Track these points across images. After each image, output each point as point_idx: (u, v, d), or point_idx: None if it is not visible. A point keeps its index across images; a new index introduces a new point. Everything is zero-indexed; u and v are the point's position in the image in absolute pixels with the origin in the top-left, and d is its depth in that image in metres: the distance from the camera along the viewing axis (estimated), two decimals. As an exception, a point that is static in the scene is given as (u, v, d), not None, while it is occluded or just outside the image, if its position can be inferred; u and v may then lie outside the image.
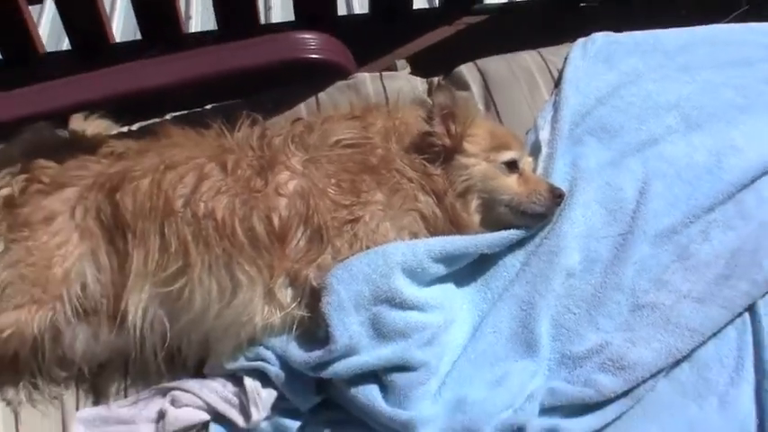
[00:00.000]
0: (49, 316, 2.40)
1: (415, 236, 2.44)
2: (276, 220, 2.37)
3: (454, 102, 2.54)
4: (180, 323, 2.39)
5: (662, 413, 2.24)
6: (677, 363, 2.29)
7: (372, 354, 2.27)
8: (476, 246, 2.43)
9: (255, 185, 2.41)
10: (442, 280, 2.45)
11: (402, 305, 2.31)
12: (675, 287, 2.39)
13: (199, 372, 2.44)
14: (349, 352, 2.27)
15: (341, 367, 2.26)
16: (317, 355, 2.27)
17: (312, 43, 2.95)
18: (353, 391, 2.28)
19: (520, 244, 2.52)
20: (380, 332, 2.30)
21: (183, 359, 2.46)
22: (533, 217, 2.48)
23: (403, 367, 2.28)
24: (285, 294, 2.37)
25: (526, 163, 2.58)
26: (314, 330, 2.35)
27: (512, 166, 2.51)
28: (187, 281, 2.36)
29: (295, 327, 2.37)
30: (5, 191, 2.66)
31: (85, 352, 2.47)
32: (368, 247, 2.37)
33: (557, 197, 2.49)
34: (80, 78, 2.97)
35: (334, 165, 2.46)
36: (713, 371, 2.29)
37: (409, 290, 2.33)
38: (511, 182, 2.49)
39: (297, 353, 2.32)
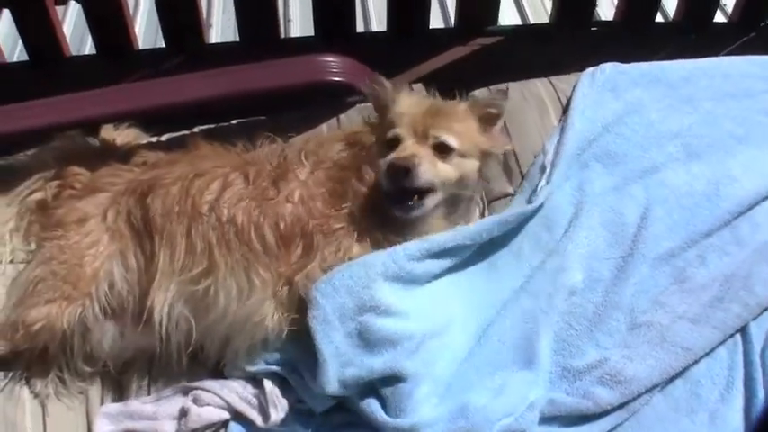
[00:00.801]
0: (78, 311, 2.52)
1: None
2: (282, 226, 2.49)
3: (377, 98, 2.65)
4: (204, 321, 2.50)
5: (656, 426, 2.35)
6: (671, 379, 2.40)
7: (364, 367, 2.35)
8: (454, 239, 2.52)
9: (269, 194, 2.53)
10: (437, 284, 2.53)
11: (387, 313, 2.39)
12: (672, 308, 2.50)
13: (219, 373, 2.53)
14: (340, 365, 2.35)
15: (337, 384, 2.35)
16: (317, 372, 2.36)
17: (335, 66, 3.05)
18: (358, 403, 2.37)
19: (525, 257, 2.64)
20: (368, 342, 2.37)
21: (205, 357, 2.55)
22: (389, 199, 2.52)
23: (395, 378, 2.35)
24: (288, 299, 2.46)
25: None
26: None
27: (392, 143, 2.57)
28: (212, 281, 2.47)
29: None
30: (39, 195, 2.80)
31: (112, 348, 2.58)
32: (349, 258, 2.46)
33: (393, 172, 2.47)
34: (111, 90, 3.08)
35: (330, 177, 2.59)
36: (705, 387, 2.40)
37: (393, 298, 2.41)
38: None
39: (306, 374, 2.43)
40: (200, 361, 2.56)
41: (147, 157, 2.79)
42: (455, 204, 2.61)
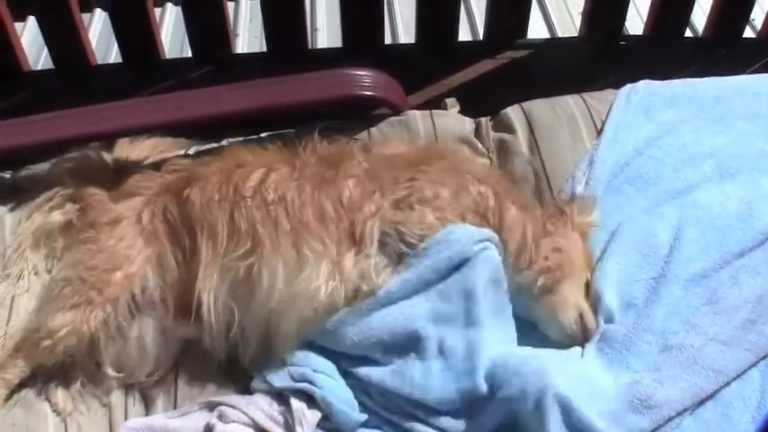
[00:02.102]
0: (103, 316, 2.47)
1: None
2: (346, 197, 2.46)
3: None
4: (247, 310, 2.45)
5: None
6: (702, 401, 2.36)
7: None
8: None
9: (326, 176, 2.51)
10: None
11: None
12: (703, 330, 2.45)
13: (246, 389, 2.50)
14: None
15: None
16: None
17: (367, 80, 3.04)
18: None
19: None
20: None
21: (245, 349, 2.51)
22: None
23: None
24: (351, 265, 2.41)
25: None
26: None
27: None
28: (256, 259, 2.41)
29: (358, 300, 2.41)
30: (59, 215, 2.78)
31: (153, 345, 2.54)
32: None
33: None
34: (139, 102, 3.09)
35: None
36: (736, 410, 2.35)
37: None
38: None
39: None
40: (233, 363, 2.54)
41: (177, 165, 2.77)
42: None
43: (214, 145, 3.05)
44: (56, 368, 2.54)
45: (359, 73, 3.05)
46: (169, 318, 2.54)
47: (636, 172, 2.85)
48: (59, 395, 2.52)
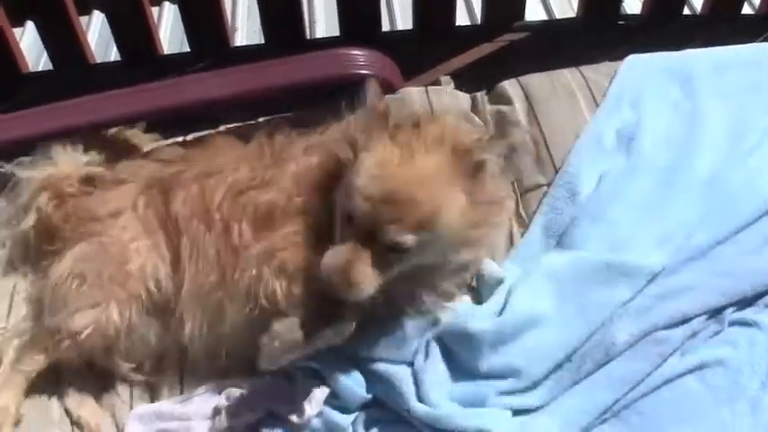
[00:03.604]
0: (127, 313, 2.45)
1: None
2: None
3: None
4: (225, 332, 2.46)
5: (696, 416, 2.29)
6: (712, 366, 2.36)
7: None
8: None
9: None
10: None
11: None
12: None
13: (252, 370, 2.44)
14: None
15: None
16: None
17: (361, 59, 3.03)
18: None
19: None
20: None
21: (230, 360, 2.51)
22: None
23: None
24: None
25: None
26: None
27: None
28: (223, 294, 2.42)
29: None
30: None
31: (158, 344, 2.54)
32: None
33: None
34: (130, 91, 3.05)
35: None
36: (745, 376, 2.34)
37: None
38: None
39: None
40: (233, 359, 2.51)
41: (165, 155, 2.76)
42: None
43: (211, 132, 3.06)
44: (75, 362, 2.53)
45: (353, 52, 3.04)
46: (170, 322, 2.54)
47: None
48: (69, 389, 2.53)
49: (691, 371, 2.35)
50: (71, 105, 3.00)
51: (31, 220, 2.67)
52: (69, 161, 2.72)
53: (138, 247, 2.50)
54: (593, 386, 2.33)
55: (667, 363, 2.35)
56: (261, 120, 3.06)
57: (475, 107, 3.08)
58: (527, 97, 3.02)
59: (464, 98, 3.12)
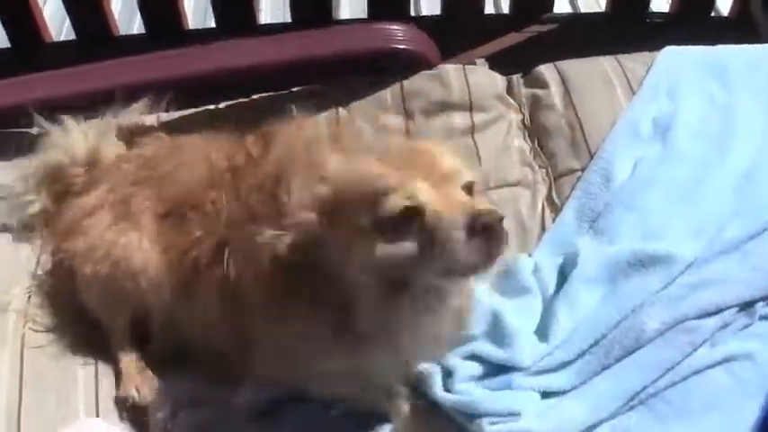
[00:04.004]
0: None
1: None
2: None
3: None
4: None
5: (723, 407, 2.26)
6: (739, 359, 2.33)
7: None
8: None
9: None
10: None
11: None
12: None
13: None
14: None
15: None
16: None
17: (399, 34, 3.01)
18: None
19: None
20: None
21: None
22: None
23: None
24: None
25: None
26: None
27: None
28: None
29: None
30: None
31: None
32: None
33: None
34: (163, 55, 3.06)
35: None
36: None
37: None
38: None
39: None
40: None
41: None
42: None
43: (210, 107, 3.06)
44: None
45: (392, 27, 3.03)
46: None
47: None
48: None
49: (720, 362, 2.32)
50: (94, 69, 3.02)
51: (35, 208, 2.69)
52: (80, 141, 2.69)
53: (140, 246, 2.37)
54: (622, 372, 2.30)
55: (697, 353, 2.32)
56: (295, 90, 3.05)
57: (510, 89, 3.09)
58: (563, 82, 3.01)
59: (500, 79, 3.12)
